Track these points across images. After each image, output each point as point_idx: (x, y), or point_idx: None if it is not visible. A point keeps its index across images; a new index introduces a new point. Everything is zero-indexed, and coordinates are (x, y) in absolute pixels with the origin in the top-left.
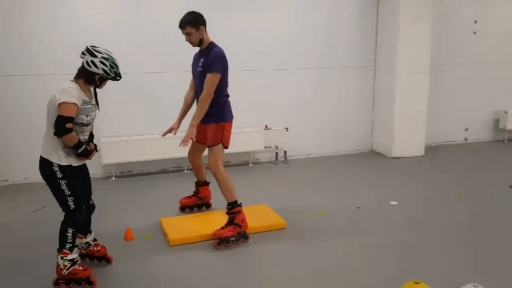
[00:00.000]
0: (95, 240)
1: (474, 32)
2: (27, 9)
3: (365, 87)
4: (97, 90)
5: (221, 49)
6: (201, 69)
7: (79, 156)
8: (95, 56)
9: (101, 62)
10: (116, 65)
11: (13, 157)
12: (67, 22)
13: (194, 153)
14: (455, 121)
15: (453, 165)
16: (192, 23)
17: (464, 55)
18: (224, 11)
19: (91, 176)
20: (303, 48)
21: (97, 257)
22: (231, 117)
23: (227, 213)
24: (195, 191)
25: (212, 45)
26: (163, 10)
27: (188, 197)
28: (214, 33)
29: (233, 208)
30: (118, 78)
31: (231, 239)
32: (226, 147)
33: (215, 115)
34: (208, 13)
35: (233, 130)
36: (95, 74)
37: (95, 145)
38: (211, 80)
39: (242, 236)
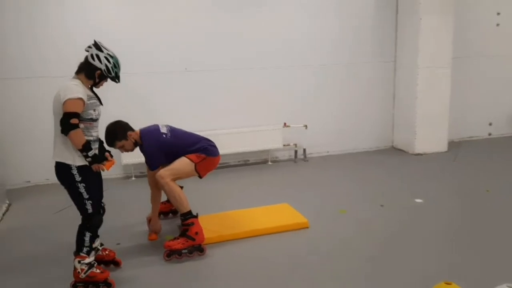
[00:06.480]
0: (101, 244)
1: (497, 24)
2: (37, 10)
3: (385, 83)
4: (97, 90)
5: (147, 141)
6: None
7: (92, 162)
8: (101, 51)
9: (105, 57)
10: (119, 66)
11: (35, 159)
12: (78, 23)
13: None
14: (478, 116)
15: (478, 161)
16: (120, 137)
17: (487, 48)
18: (237, 11)
19: (111, 176)
20: (321, 44)
21: (106, 262)
22: (216, 153)
23: (181, 225)
24: None
25: (142, 140)
26: (180, 10)
27: (163, 202)
28: (233, 31)
29: (186, 219)
30: (117, 80)
31: (183, 251)
32: (199, 176)
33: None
34: (223, 12)
35: (251, 129)
36: (96, 69)
37: (110, 153)
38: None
39: (196, 249)
